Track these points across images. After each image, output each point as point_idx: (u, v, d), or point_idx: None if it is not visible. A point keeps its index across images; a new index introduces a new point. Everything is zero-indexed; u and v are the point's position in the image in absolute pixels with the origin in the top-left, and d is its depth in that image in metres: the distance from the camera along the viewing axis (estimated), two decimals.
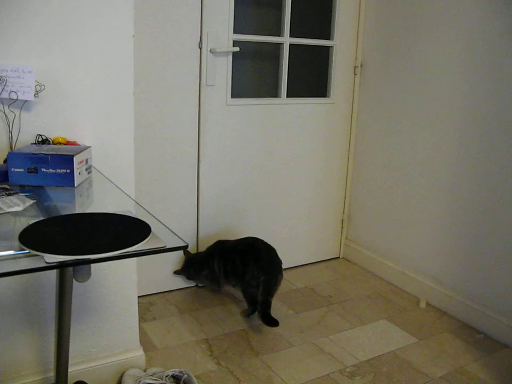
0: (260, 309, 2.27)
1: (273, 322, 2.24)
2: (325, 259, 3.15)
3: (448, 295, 2.53)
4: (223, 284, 2.54)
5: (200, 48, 2.41)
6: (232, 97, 2.57)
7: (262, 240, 2.44)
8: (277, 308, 2.52)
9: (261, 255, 2.35)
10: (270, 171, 2.77)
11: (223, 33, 2.45)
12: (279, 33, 2.67)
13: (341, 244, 3.20)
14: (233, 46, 2.49)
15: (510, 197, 2.23)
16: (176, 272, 2.62)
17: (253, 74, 3.07)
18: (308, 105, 2.81)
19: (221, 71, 2.50)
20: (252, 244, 2.42)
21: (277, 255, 2.40)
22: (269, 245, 2.42)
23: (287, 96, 2.73)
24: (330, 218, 3.10)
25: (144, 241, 0.98)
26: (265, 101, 2.68)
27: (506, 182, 2.24)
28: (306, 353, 2.16)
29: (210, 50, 2.42)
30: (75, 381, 1.80)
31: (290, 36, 2.66)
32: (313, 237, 3.04)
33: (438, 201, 2.56)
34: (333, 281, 2.87)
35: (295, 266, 3.01)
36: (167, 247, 0.98)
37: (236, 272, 2.39)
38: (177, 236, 1.01)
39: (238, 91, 2.61)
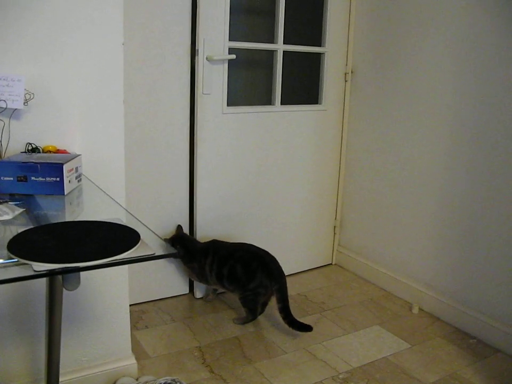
0: (285, 317, 2.32)
1: (307, 327, 2.28)
2: (317, 266, 3.14)
3: (440, 301, 2.54)
4: (212, 284, 2.51)
5: (196, 55, 2.39)
6: (227, 105, 2.56)
7: (258, 247, 2.44)
8: (270, 315, 2.52)
9: (268, 262, 2.37)
10: (264, 179, 2.77)
11: (219, 40, 2.44)
12: (270, 41, 2.68)
13: (333, 250, 3.20)
14: (229, 53, 2.48)
15: (502, 202, 2.24)
16: (164, 240, 2.56)
17: (246, 82, 3.08)
18: (300, 112, 2.82)
19: (217, 79, 2.48)
20: (252, 251, 2.41)
21: (278, 261, 2.42)
22: (268, 252, 2.43)
23: (281, 104, 2.74)
24: (323, 225, 3.10)
25: (133, 248, 0.98)
26: (260, 108, 2.68)
27: (498, 187, 2.25)
28: (299, 360, 2.16)
29: (206, 58, 2.40)
30: None
31: (283, 43, 2.66)
32: (306, 244, 3.04)
33: (429, 207, 2.57)
34: (326, 288, 2.87)
35: (289, 275, 2.99)
36: (156, 254, 0.98)
37: (236, 278, 2.37)
38: (167, 243, 1.01)
39: (231, 99, 2.60)
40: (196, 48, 2.39)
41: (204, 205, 2.59)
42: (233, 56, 2.47)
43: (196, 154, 2.50)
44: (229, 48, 2.49)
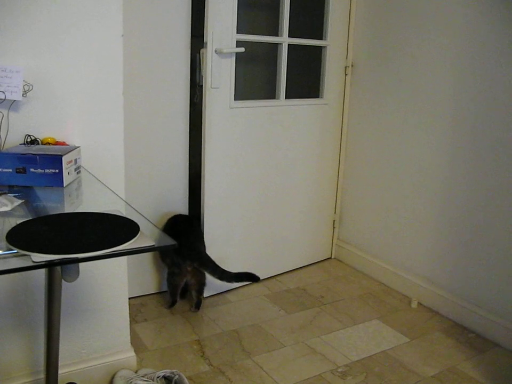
0: (223, 278, 2.41)
1: (252, 276, 2.46)
2: (316, 260, 3.14)
3: (439, 295, 2.54)
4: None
5: (204, 48, 2.34)
6: (234, 100, 2.52)
7: (184, 217, 2.49)
8: (269, 309, 2.52)
9: (181, 240, 2.36)
10: (266, 174, 2.74)
11: (227, 33, 2.38)
12: (271, 34, 2.65)
13: (332, 244, 3.20)
14: (236, 46, 2.43)
15: (502, 196, 2.24)
16: None
17: (247, 77, 3.07)
18: (303, 106, 2.79)
19: (225, 73, 2.44)
20: (171, 224, 2.46)
21: (194, 226, 2.45)
22: (189, 224, 2.46)
23: (285, 98, 2.72)
24: (322, 219, 3.10)
25: (133, 240, 0.97)
26: (266, 102, 2.65)
27: (499, 182, 2.25)
28: (298, 354, 2.16)
29: (215, 51, 2.35)
30: (66, 382, 1.79)
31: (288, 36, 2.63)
32: (305, 239, 3.03)
33: (429, 201, 2.57)
34: (325, 282, 2.87)
35: (288, 271, 2.99)
36: (156, 245, 0.98)
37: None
38: (166, 234, 1.01)
39: (237, 93, 2.57)
40: (204, 41, 2.34)
41: (210, 199, 2.55)
42: (242, 49, 2.41)
43: (203, 150, 2.45)
44: (237, 41, 2.44)
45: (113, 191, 1.41)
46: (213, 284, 2.59)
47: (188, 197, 2.62)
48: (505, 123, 2.19)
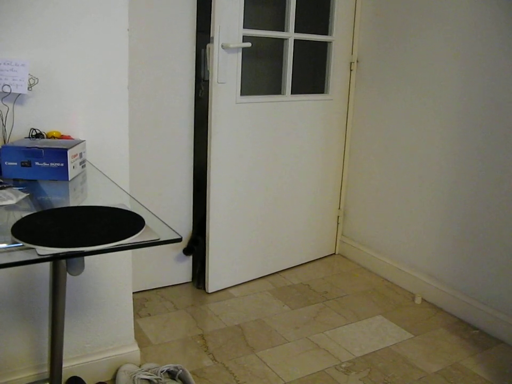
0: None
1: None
2: (320, 256, 3.14)
3: (443, 291, 2.54)
4: None
5: (211, 43, 2.32)
6: (240, 95, 2.50)
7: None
8: (272, 304, 2.52)
9: None
10: (272, 170, 2.73)
11: (233, 28, 2.37)
12: (278, 29, 2.64)
13: (336, 240, 3.20)
14: (242, 41, 2.42)
15: (509, 193, 2.23)
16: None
17: (255, 71, 3.06)
18: (308, 102, 2.78)
19: (232, 68, 2.42)
20: None
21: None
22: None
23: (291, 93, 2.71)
24: (326, 215, 3.09)
25: (138, 234, 0.97)
26: (271, 98, 2.64)
27: (505, 179, 2.24)
28: (301, 349, 2.16)
29: (222, 46, 2.33)
30: (69, 376, 1.80)
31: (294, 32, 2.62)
32: (310, 234, 3.03)
33: (434, 198, 2.56)
34: (329, 278, 2.86)
35: (292, 266, 2.99)
36: (161, 239, 0.97)
37: None
38: (171, 228, 1.01)
39: (243, 89, 2.55)
40: (211, 36, 2.32)
41: (216, 194, 2.54)
42: (249, 44, 2.39)
43: (209, 146, 2.44)
44: (243, 36, 2.42)
45: (118, 185, 1.41)
46: (215, 280, 2.59)
47: (192, 191, 2.62)
48: None
